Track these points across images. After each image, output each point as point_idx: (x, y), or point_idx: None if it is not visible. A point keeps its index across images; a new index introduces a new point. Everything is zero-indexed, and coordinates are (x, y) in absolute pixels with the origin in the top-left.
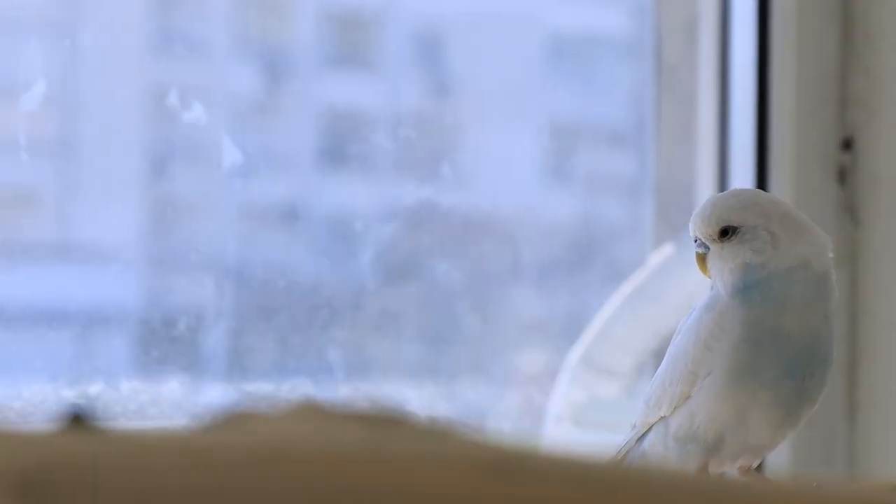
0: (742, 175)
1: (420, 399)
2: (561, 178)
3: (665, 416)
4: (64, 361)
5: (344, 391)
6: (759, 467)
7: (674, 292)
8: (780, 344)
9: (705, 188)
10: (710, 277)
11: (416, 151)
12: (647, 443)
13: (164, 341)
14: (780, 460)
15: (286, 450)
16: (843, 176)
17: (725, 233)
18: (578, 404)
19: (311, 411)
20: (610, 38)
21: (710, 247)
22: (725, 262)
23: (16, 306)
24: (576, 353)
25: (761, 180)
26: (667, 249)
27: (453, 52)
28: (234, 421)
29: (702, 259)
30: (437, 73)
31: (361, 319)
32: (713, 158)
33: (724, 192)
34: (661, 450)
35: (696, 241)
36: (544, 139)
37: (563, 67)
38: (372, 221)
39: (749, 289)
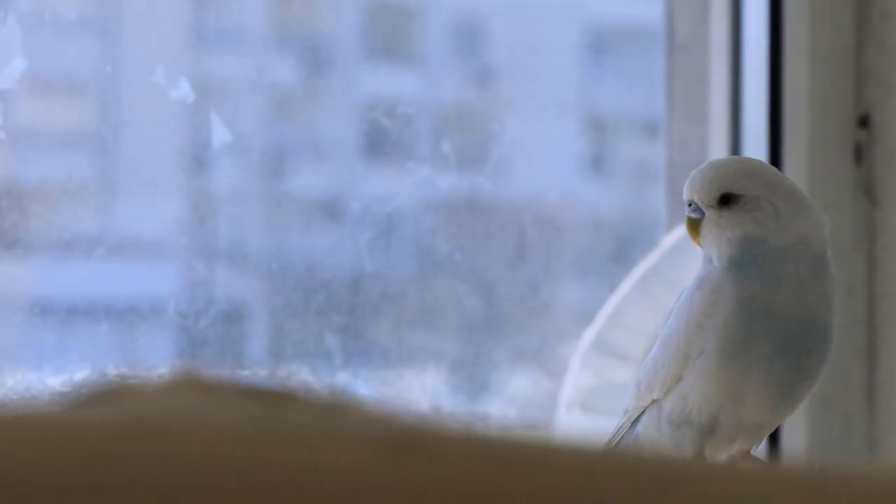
0: (756, 155)
1: (459, 391)
2: (600, 168)
3: (658, 400)
4: (106, 353)
5: (384, 381)
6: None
7: (687, 275)
8: (774, 321)
9: (717, 151)
10: (700, 246)
11: (456, 142)
12: (640, 427)
13: (205, 333)
14: (797, 445)
15: (161, 425)
16: (860, 154)
17: (726, 200)
18: (589, 389)
19: (193, 385)
20: (649, 28)
21: (707, 213)
22: (723, 232)
23: (59, 299)
24: (588, 337)
25: (775, 159)
26: (680, 231)
27: (493, 42)
28: (108, 395)
29: (694, 225)
30: (477, 63)
31: (403, 311)
32: (726, 138)
33: (726, 158)
34: (654, 434)
35: (690, 205)
36: (584, 128)
37: (603, 57)
38: (412, 212)
39: (746, 262)
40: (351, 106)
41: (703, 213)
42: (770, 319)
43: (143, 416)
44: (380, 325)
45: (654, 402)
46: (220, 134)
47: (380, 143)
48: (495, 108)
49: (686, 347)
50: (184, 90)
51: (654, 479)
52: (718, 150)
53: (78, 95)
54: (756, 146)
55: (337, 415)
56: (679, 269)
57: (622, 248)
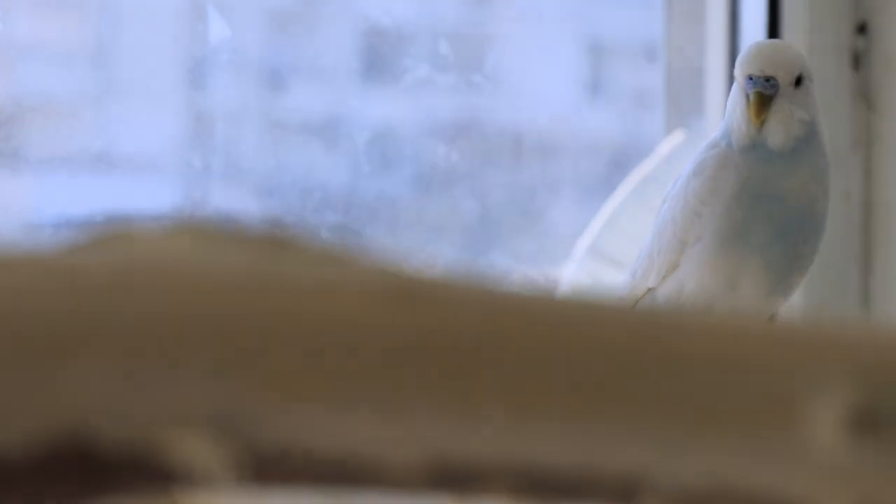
0: None
1: None
2: (599, 92)
3: (653, 288)
4: None
5: None
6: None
7: None
8: (778, 206)
9: (715, 73)
10: (758, 124)
11: (455, 65)
12: None
13: None
14: None
15: (159, 272)
16: (858, 61)
17: (798, 81)
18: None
19: (191, 232)
20: None
21: (783, 91)
22: (795, 111)
23: (54, 215)
24: (583, 243)
25: None
26: (677, 136)
27: None
28: (104, 241)
29: (766, 102)
30: None
31: (400, 232)
32: (724, 43)
33: (779, 41)
34: None
35: (767, 80)
36: (584, 52)
37: None
38: (410, 135)
39: (802, 144)
40: (348, 25)
41: (776, 90)
42: (774, 204)
43: (140, 262)
44: (376, 231)
45: (649, 290)
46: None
47: (377, 63)
48: (494, 29)
49: (683, 234)
50: (181, 7)
51: (660, 328)
52: (716, 55)
53: (73, 8)
54: None
55: (334, 263)
56: (676, 175)
57: (622, 173)
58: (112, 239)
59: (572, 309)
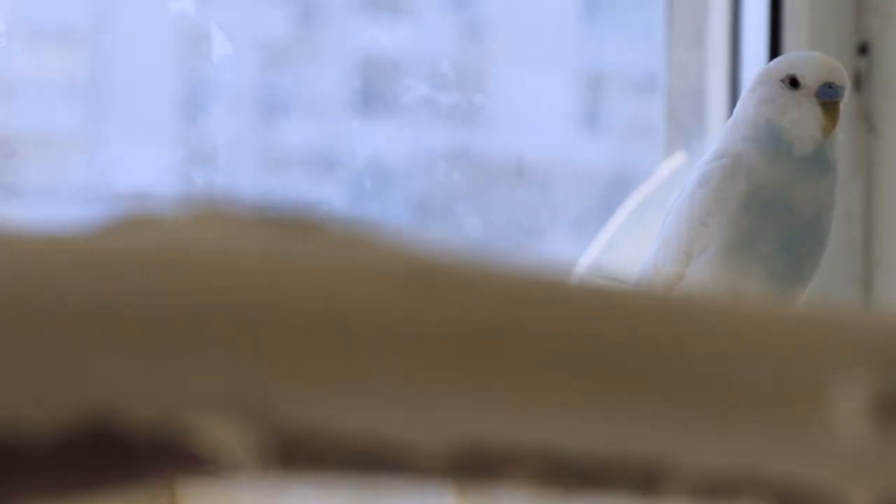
0: None
1: None
2: (594, 125)
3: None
4: None
5: None
6: None
7: None
8: (784, 216)
9: (717, 94)
10: (830, 134)
11: (450, 96)
12: None
13: None
14: None
15: (184, 255)
16: (859, 82)
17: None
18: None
19: (213, 216)
20: None
21: (841, 100)
22: (837, 120)
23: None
24: (584, 264)
25: None
26: (678, 158)
27: None
28: (128, 226)
29: (838, 108)
30: (471, 16)
31: None
32: (725, 66)
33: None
34: None
35: (830, 86)
36: (579, 84)
37: (599, 12)
38: (406, 165)
39: (826, 150)
40: (344, 56)
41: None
42: (781, 214)
43: (165, 245)
44: None
45: None
46: (213, 67)
47: (373, 93)
48: (491, 59)
49: (688, 246)
50: (176, 41)
51: (684, 314)
52: (717, 75)
53: (69, 42)
54: (756, 72)
55: (357, 247)
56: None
57: (616, 202)
58: (136, 223)
59: (596, 294)
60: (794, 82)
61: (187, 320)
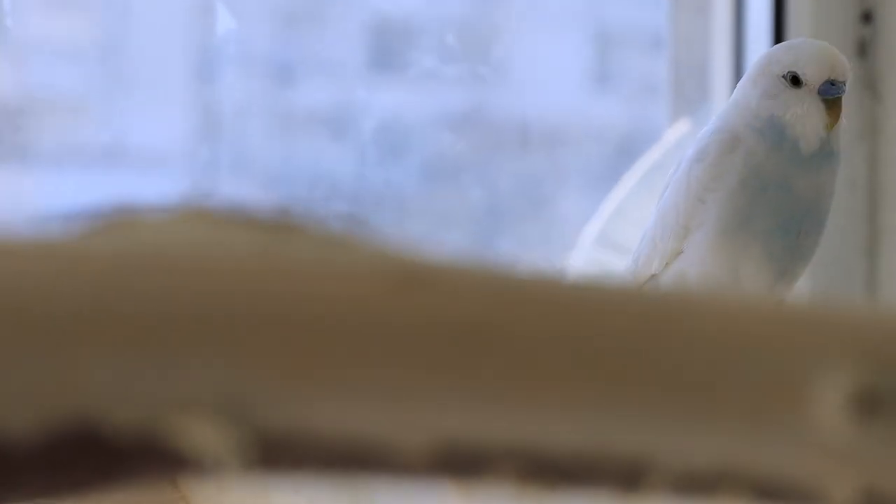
0: (759, 48)
1: None
2: (606, 82)
3: (656, 275)
4: None
5: None
6: None
7: None
8: (782, 196)
9: (721, 63)
10: (833, 129)
11: (462, 56)
12: None
13: None
14: None
15: (166, 257)
16: (863, 50)
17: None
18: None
19: (198, 217)
20: None
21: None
22: (840, 115)
23: (64, 210)
24: (590, 231)
25: None
26: (682, 125)
27: None
28: (112, 227)
29: (841, 106)
30: None
31: (407, 222)
32: (729, 33)
33: (823, 43)
34: None
35: (833, 83)
36: (588, 44)
37: None
38: (417, 125)
39: (831, 141)
40: (355, 17)
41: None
42: (780, 193)
43: (147, 247)
44: (383, 223)
45: (652, 277)
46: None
47: (384, 54)
48: (501, 20)
49: (685, 220)
50: (190, 3)
51: (664, 310)
52: (721, 45)
53: (81, 6)
54: (759, 41)
55: (343, 248)
56: None
57: (626, 161)
58: (119, 225)
59: (578, 292)
60: (795, 80)
61: (170, 323)
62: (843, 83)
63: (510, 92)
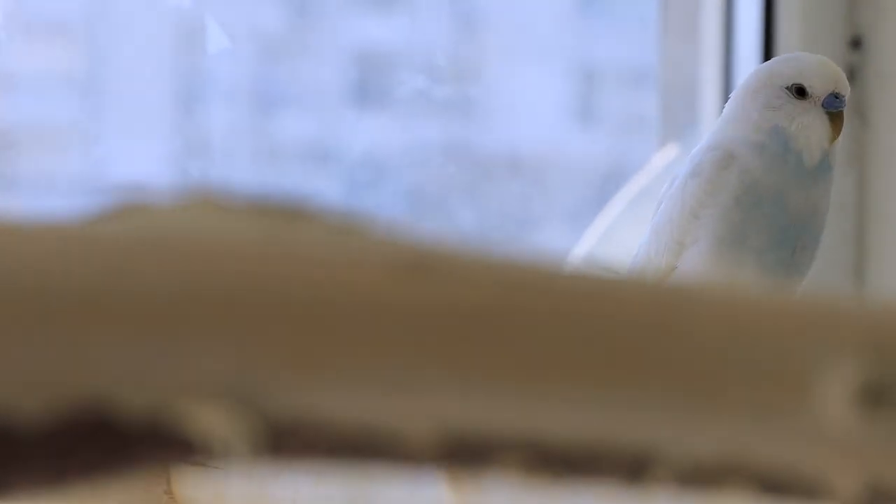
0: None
1: None
2: (588, 118)
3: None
4: None
5: None
6: None
7: None
8: (777, 212)
9: (709, 89)
10: (833, 144)
11: (444, 89)
12: None
13: None
14: None
15: (176, 243)
16: (852, 76)
17: None
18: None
19: (208, 204)
20: None
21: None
22: (841, 129)
23: None
24: (577, 255)
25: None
26: (670, 150)
27: None
28: (123, 213)
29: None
30: (465, 10)
31: None
32: (718, 59)
33: (822, 57)
34: None
35: (836, 97)
36: (572, 78)
37: (592, 5)
38: (400, 157)
39: (829, 158)
40: (339, 50)
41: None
42: (774, 210)
43: (158, 233)
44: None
45: None
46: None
47: (368, 86)
48: (485, 52)
49: (680, 236)
50: (172, 33)
51: (670, 302)
52: (711, 68)
53: (66, 35)
54: (748, 68)
55: (350, 235)
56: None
57: (610, 194)
58: (130, 211)
59: (584, 282)
60: (800, 91)
61: (180, 308)
62: (846, 97)
63: (494, 123)
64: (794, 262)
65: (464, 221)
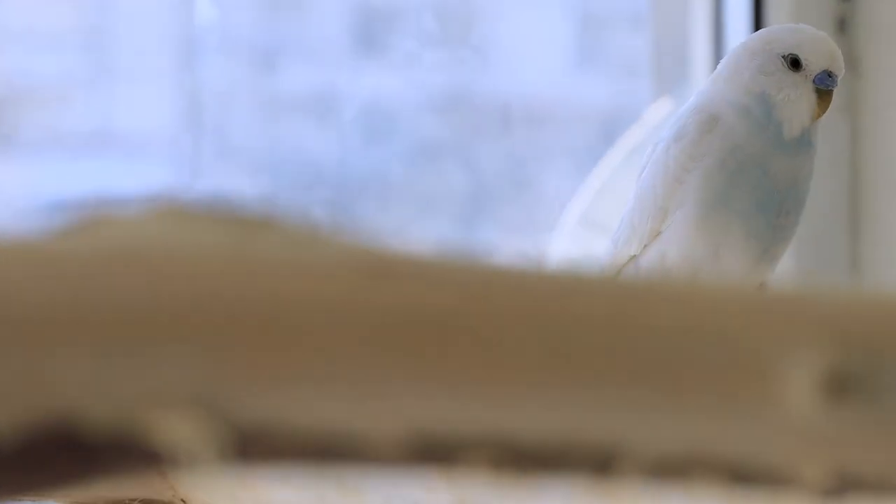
0: (739, 25)
1: None
2: (589, 62)
3: (635, 256)
4: None
5: None
6: None
7: None
8: (760, 178)
9: (701, 42)
10: (818, 119)
11: (444, 38)
12: None
13: None
14: None
15: (140, 255)
16: (843, 26)
17: None
18: (574, 262)
19: (172, 214)
20: None
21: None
22: (828, 108)
23: (49, 199)
24: (573, 212)
25: (759, 30)
26: (663, 104)
27: None
28: (86, 226)
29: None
30: None
31: (391, 206)
32: (709, 11)
33: (820, 32)
34: None
35: (829, 75)
36: (573, 22)
37: None
38: (400, 109)
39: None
40: (338, 1)
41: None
42: (758, 175)
43: (121, 245)
44: (368, 207)
45: (631, 258)
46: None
47: (367, 38)
48: (482, 1)
49: (664, 201)
50: None
51: (634, 297)
52: (701, 21)
53: None
54: (739, 21)
55: (314, 243)
56: None
57: (609, 140)
58: (93, 224)
59: (547, 281)
60: (795, 63)
61: (145, 320)
62: (838, 77)
63: (493, 73)
64: (778, 226)
65: (464, 172)
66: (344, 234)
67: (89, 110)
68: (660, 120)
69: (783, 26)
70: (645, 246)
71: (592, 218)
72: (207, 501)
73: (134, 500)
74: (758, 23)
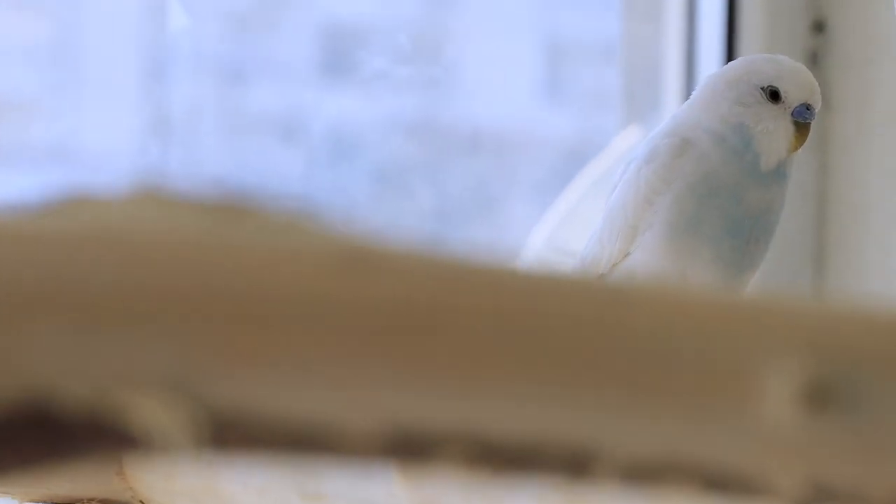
0: (711, 56)
1: None
2: (557, 93)
3: (603, 275)
4: None
5: None
6: None
7: None
8: (731, 204)
9: (672, 71)
10: (794, 152)
11: (413, 61)
12: None
13: None
14: None
15: (116, 237)
16: (815, 59)
17: None
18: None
19: (150, 199)
20: None
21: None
22: (805, 141)
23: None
24: (539, 236)
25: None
26: (633, 131)
27: None
28: (63, 208)
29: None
30: None
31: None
32: (681, 40)
33: (799, 65)
34: None
35: (808, 108)
36: (542, 52)
37: None
38: (367, 130)
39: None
40: (308, 22)
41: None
42: (729, 201)
43: (98, 227)
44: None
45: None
46: (177, 31)
47: (335, 59)
48: (453, 26)
49: (634, 221)
50: (141, 5)
51: (613, 299)
52: (673, 52)
53: (32, 7)
54: (711, 50)
55: (292, 231)
56: None
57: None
58: (71, 206)
59: (526, 279)
60: (774, 95)
61: (121, 301)
62: (816, 110)
63: (461, 97)
64: (747, 253)
65: (431, 196)
66: (321, 223)
67: (55, 124)
68: (628, 148)
69: (761, 56)
70: (613, 265)
71: (558, 243)
72: (166, 503)
73: (92, 499)
74: (730, 55)
